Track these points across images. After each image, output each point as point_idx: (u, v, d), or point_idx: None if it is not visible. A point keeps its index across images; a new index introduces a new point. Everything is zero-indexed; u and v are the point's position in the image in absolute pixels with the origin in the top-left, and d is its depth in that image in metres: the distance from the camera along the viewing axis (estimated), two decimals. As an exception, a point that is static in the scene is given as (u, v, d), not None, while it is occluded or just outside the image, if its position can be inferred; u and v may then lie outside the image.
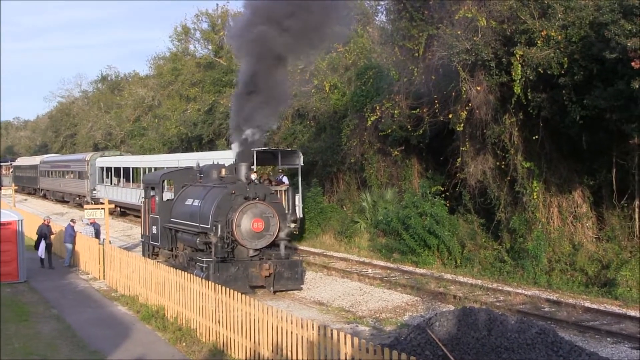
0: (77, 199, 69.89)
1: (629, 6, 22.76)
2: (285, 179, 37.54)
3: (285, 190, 34.22)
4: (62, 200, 76.67)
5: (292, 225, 35.68)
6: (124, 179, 59.23)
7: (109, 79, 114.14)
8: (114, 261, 28.31)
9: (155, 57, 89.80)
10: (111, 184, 61.61)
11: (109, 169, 62.93)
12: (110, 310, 23.96)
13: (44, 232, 32.55)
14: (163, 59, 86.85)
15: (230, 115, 30.60)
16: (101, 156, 68.31)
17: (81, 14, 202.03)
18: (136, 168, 57.57)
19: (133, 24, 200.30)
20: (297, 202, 36.16)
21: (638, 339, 19.44)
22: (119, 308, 24.27)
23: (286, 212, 34.46)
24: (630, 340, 19.46)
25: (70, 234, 33.43)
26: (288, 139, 49.19)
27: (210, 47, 75.88)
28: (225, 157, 36.46)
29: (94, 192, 64.79)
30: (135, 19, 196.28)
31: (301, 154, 38.20)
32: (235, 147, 28.34)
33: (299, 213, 37.03)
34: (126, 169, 58.79)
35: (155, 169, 47.95)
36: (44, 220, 33.60)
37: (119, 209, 57.69)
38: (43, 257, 32.41)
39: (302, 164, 38.31)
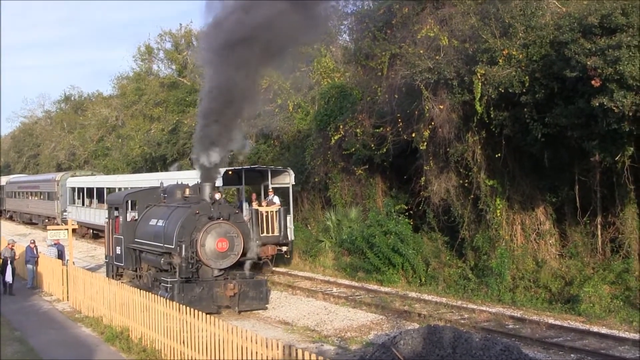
0: (47, 220, 66.18)
1: (588, 25, 23.03)
2: (276, 199, 36.84)
3: (276, 212, 35.12)
4: (30, 222, 74.39)
5: (284, 248, 35.79)
6: (97, 200, 56.25)
7: (72, 98, 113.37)
8: (77, 282, 28.09)
9: (119, 77, 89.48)
10: (83, 205, 58.67)
11: (80, 190, 59.72)
12: (74, 332, 23.76)
13: (10, 257, 32.13)
14: (126, 78, 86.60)
15: (194, 135, 30.41)
16: (72, 176, 65.76)
17: (44, 33, 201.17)
18: (110, 189, 54.13)
19: (96, 44, 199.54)
20: (288, 224, 36.02)
21: (601, 355, 19.60)
22: (83, 329, 24.07)
23: (278, 234, 35.00)
24: (593, 356, 19.60)
25: (31, 255, 33.12)
26: (252, 158, 49.12)
27: (173, 66, 75.76)
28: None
29: (64, 213, 61.95)
30: (99, 39, 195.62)
31: (292, 173, 37.83)
32: (198, 166, 28.09)
33: (290, 235, 36.54)
34: (100, 190, 55.58)
35: (132, 189, 47.23)
36: (8, 244, 33.20)
37: (91, 231, 56.47)
38: (12, 282, 31.92)
39: (294, 183, 38.05)
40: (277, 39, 25.02)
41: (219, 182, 32.77)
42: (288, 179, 37.60)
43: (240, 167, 37.40)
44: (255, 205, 35.54)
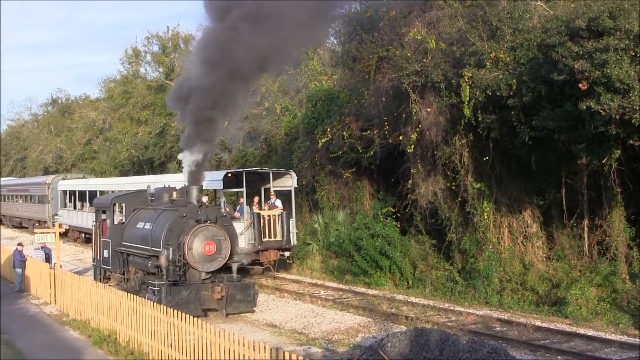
0: (37, 224, 64.73)
1: (575, 28, 23.07)
2: (278, 203, 35.89)
3: (278, 215, 34.38)
4: (20, 226, 72.74)
5: (287, 254, 34.94)
6: (89, 204, 53.03)
7: (59, 102, 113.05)
8: (65, 285, 28.03)
9: (106, 80, 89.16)
10: (75, 208, 56.83)
11: (72, 193, 57.90)
12: (62, 335, 23.71)
13: None
14: (114, 81, 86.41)
15: (182, 137, 30.21)
16: (63, 179, 63.88)
17: (31, 37, 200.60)
18: (103, 192, 51.72)
19: (83, 47, 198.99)
20: (291, 228, 35.23)
21: (588, 357, 19.67)
22: (70, 333, 24.02)
23: (280, 238, 34.15)
24: (580, 358, 19.69)
25: (19, 259, 33.03)
26: (239, 161, 49.11)
27: (161, 69, 75.70)
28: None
29: (56, 217, 59.68)
30: (86, 42, 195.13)
31: (294, 175, 37.04)
32: (185, 168, 27.99)
33: (293, 240, 35.60)
34: (92, 193, 53.12)
35: (126, 192, 46.59)
36: None
37: (83, 235, 55.49)
38: None
39: (296, 186, 37.31)
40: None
41: (219, 186, 32.98)
42: (290, 182, 36.92)
43: (241, 170, 36.76)
44: (256, 208, 34.89)
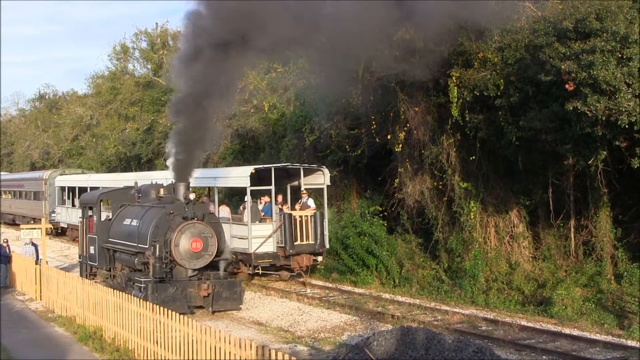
0: (33, 222, 57.31)
1: (563, 30, 23.19)
2: (311, 202, 33.14)
3: (311, 216, 31.95)
4: (13, 224, 68.22)
5: (319, 258, 32.60)
6: None
7: (46, 97, 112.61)
8: (51, 282, 27.99)
9: (94, 75, 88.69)
10: (73, 206, 52.67)
11: (71, 189, 54.18)
12: (47, 332, 23.69)
13: None
14: (102, 77, 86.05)
15: (170, 134, 29.92)
16: (61, 174, 60.25)
17: (18, 31, 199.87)
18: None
19: (71, 42, 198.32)
20: (325, 230, 32.53)
21: (572, 357, 19.76)
22: (55, 329, 24.00)
23: (313, 242, 31.69)
24: (565, 358, 19.77)
25: (4, 255, 32.96)
26: (227, 159, 49.04)
27: (149, 66, 75.48)
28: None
29: (52, 214, 57.15)
30: (74, 38, 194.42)
31: (327, 171, 33.55)
32: (171, 165, 27.85)
33: (327, 243, 32.69)
34: (93, 190, 48.09)
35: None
36: None
37: None
38: None
39: (329, 183, 33.96)
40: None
41: (245, 183, 31.45)
42: (322, 179, 33.55)
43: (269, 165, 33.37)
44: (286, 208, 32.72)
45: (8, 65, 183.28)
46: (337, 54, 27.87)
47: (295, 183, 34.41)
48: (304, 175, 33.35)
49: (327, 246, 32.70)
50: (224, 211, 34.35)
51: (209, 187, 38.05)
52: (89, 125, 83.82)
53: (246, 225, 31.81)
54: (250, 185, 31.65)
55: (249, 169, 31.98)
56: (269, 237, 31.41)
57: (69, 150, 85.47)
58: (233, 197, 40.28)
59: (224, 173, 36.37)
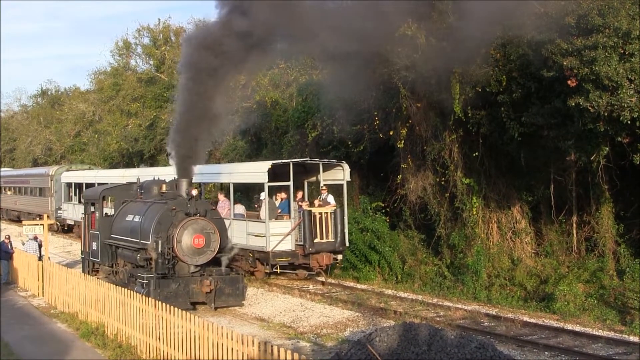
0: (38, 219, 53.76)
1: (565, 26, 23.16)
2: (330, 199, 32.09)
3: (331, 213, 31.03)
4: (18, 220, 65.32)
5: (339, 257, 31.47)
6: None
7: (49, 93, 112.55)
8: (53, 278, 28.00)
9: (96, 71, 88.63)
10: (80, 202, 49.14)
11: (78, 186, 52.60)
12: (50, 328, 23.70)
13: None
14: (104, 73, 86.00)
15: (171, 130, 29.72)
16: (67, 170, 58.68)
17: (21, 27, 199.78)
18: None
19: (73, 38, 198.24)
20: (345, 228, 31.51)
21: (575, 353, 19.77)
22: (58, 325, 24.00)
23: (333, 240, 30.70)
24: (567, 354, 19.76)
25: (6, 251, 33.00)
26: (229, 155, 49.05)
27: (151, 62, 75.42)
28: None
29: (59, 211, 56.12)
30: (77, 34, 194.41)
31: (347, 167, 32.38)
32: (173, 162, 27.73)
33: (347, 241, 31.68)
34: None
35: None
36: None
37: None
38: None
39: (349, 179, 32.81)
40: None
41: (263, 179, 30.50)
42: (341, 174, 32.39)
43: (287, 161, 32.41)
44: (305, 205, 31.40)
45: (10, 62, 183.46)
46: (344, 51, 27.82)
47: (313, 179, 33.94)
48: (323, 171, 32.60)
49: (347, 244, 31.78)
50: (239, 208, 33.87)
51: (221, 183, 37.96)
52: (91, 121, 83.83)
53: (263, 222, 30.94)
54: (267, 181, 30.78)
55: (267, 164, 31.07)
56: (288, 234, 30.64)
57: (72, 146, 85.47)
58: (236, 192, 40.16)
59: (239, 169, 35.45)
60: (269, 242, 30.41)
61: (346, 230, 31.40)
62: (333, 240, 30.82)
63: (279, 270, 31.28)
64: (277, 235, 30.54)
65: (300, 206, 31.38)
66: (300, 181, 33.75)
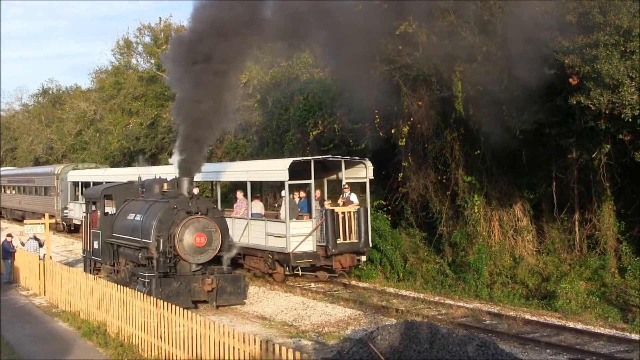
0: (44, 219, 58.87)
1: (566, 23, 23.15)
2: (354, 197, 31.04)
3: (354, 212, 30.18)
4: (23, 220, 60.65)
5: (363, 258, 30.58)
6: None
7: (50, 92, 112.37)
8: (54, 277, 28.00)
9: (97, 70, 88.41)
10: None
11: (85, 185, 50.38)
12: (51, 327, 23.71)
13: None
14: (105, 72, 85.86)
15: (176, 128, 29.64)
16: (74, 169, 57.25)
17: (21, 26, 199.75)
18: None
19: (74, 37, 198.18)
20: (368, 228, 30.57)
21: (576, 350, 19.76)
22: (59, 324, 24.01)
23: (357, 240, 29.81)
24: (569, 352, 19.75)
25: (7, 250, 33.01)
26: (231, 153, 49.05)
27: (152, 61, 75.32)
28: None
29: (65, 211, 54.73)
30: (77, 32, 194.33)
31: (370, 165, 31.43)
32: (174, 160, 27.63)
33: (370, 241, 30.74)
34: None
35: None
36: None
37: None
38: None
39: (372, 177, 31.84)
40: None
41: (283, 177, 29.47)
42: (364, 172, 31.53)
43: (309, 158, 31.26)
44: (327, 204, 30.39)
45: (11, 61, 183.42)
46: (345, 48, 27.83)
47: (333, 177, 33.06)
48: (345, 169, 31.54)
49: (371, 245, 30.83)
50: (257, 206, 32.81)
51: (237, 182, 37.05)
52: (93, 120, 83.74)
53: (284, 222, 29.81)
54: (289, 179, 29.68)
55: (287, 162, 29.96)
56: (309, 235, 29.61)
57: (73, 145, 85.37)
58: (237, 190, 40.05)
59: (257, 166, 34.37)
60: (289, 242, 29.32)
61: (369, 230, 30.53)
62: (357, 240, 29.94)
63: (300, 273, 30.29)
64: (298, 235, 29.52)
65: (322, 205, 30.53)
66: (321, 179, 32.89)
